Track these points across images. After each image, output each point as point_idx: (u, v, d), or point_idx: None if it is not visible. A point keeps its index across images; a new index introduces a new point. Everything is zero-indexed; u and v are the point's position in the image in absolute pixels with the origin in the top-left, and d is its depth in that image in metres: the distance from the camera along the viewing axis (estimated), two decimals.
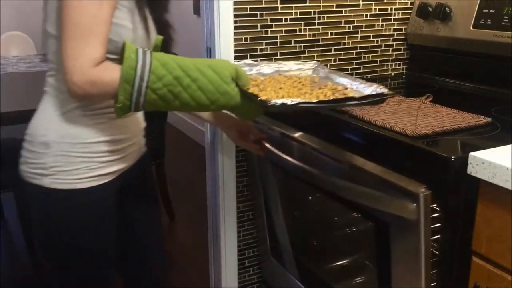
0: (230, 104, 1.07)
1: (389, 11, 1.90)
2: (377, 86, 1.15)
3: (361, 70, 1.91)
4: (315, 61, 1.45)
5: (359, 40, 1.88)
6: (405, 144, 1.17)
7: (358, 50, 1.89)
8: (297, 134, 1.49)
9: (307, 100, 1.06)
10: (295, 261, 1.72)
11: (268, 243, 1.82)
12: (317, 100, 1.07)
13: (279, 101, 1.04)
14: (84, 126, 1.08)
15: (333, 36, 1.83)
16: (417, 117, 1.31)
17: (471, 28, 1.67)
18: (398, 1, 1.90)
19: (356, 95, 1.12)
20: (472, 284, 1.11)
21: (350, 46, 1.87)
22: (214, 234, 1.88)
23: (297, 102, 1.04)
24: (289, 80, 1.30)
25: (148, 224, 1.36)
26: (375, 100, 1.11)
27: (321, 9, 1.77)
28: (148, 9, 1.10)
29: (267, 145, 1.45)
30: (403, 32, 1.95)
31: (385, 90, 1.12)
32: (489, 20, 1.61)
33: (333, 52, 1.84)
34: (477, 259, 1.10)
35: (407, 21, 1.94)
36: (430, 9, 1.82)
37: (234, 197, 1.82)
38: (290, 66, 1.40)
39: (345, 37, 1.85)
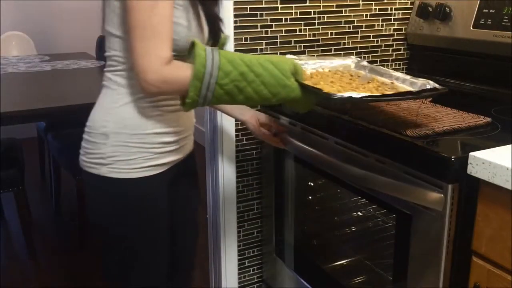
0: (291, 97, 1.12)
1: (389, 11, 1.90)
2: (424, 81, 1.26)
3: None
4: (355, 57, 1.55)
5: (359, 40, 1.88)
6: (405, 144, 1.17)
7: (358, 50, 1.89)
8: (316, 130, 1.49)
9: (372, 94, 1.15)
10: (301, 260, 1.72)
11: (274, 242, 1.83)
12: (380, 94, 1.17)
13: (346, 94, 1.12)
14: (142, 118, 1.13)
15: (333, 36, 1.83)
16: (417, 117, 1.31)
17: (471, 28, 1.67)
18: (398, 1, 1.90)
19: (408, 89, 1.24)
20: (472, 284, 1.11)
21: (350, 46, 1.87)
22: (214, 234, 1.88)
23: (364, 95, 1.12)
24: (336, 75, 1.38)
25: (189, 215, 1.40)
26: (430, 94, 1.21)
27: (321, 9, 1.77)
28: (200, 5, 1.14)
29: (289, 138, 1.47)
30: (403, 32, 1.95)
31: (436, 86, 1.23)
32: (489, 20, 1.61)
33: (333, 52, 1.84)
34: (477, 259, 1.10)
35: (407, 21, 1.94)
36: (430, 9, 1.82)
37: (234, 197, 1.82)
38: (331, 61, 1.49)
39: (345, 37, 1.85)
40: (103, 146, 1.13)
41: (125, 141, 1.12)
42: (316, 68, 1.44)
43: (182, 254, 1.39)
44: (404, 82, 1.32)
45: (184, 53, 1.12)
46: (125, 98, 1.13)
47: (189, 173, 1.35)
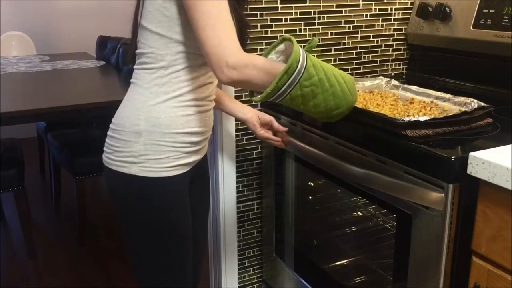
0: (344, 113, 1.21)
1: (389, 11, 1.90)
2: (465, 98, 1.34)
3: (361, 70, 1.91)
4: (382, 76, 1.68)
5: (359, 40, 1.88)
6: (406, 144, 1.17)
7: (358, 50, 1.89)
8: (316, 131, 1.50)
9: (434, 117, 1.23)
10: (301, 260, 1.73)
11: (274, 242, 1.83)
12: (443, 116, 1.24)
13: (413, 119, 1.19)
14: (175, 117, 1.13)
15: (333, 36, 1.83)
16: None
17: (471, 28, 1.67)
18: (398, 1, 1.90)
19: (451, 108, 1.33)
20: (472, 284, 1.11)
21: (350, 46, 1.87)
22: (214, 234, 1.88)
23: (428, 119, 1.20)
24: (377, 96, 1.50)
25: (200, 217, 1.41)
26: (480, 115, 1.26)
27: (321, 9, 1.77)
28: (232, 7, 1.14)
29: (290, 138, 1.48)
30: (403, 32, 1.95)
31: (480, 103, 1.29)
32: (489, 20, 1.61)
33: (333, 52, 1.84)
34: (477, 259, 1.10)
35: (407, 21, 1.94)
36: (430, 9, 1.82)
37: (234, 197, 1.82)
38: (363, 82, 1.62)
39: (345, 37, 1.85)
40: (135, 144, 1.13)
41: (157, 140, 1.13)
42: None
43: (195, 254, 1.40)
44: (445, 100, 1.40)
45: None
46: (158, 97, 1.13)
47: (203, 173, 1.37)
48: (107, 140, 1.19)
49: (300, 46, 1.12)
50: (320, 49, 1.81)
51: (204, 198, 1.41)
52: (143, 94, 1.14)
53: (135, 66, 1.18)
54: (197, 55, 1.12)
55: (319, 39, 1.09)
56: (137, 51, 1.16)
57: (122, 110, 1.19)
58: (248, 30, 1.23)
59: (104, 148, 1.20)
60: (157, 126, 1.13)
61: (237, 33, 1.16)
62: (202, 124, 1.19)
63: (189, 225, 1.25)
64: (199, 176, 1.32)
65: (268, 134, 1.46)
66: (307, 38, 1.78)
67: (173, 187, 1.18)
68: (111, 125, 1.19)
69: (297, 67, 1.05)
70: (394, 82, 1.60)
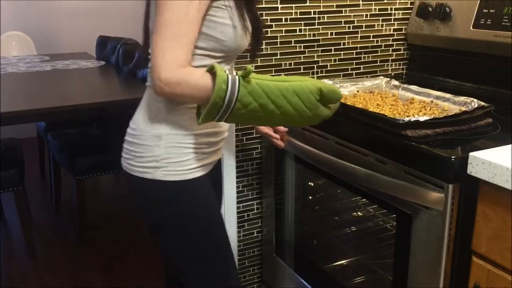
0: (310, 124, 1.15)
1: (389, 11, 1.90)
2: (466, 98, 1.34)
3: (361, 70, 1.91)
4: (382, 76, 1.67)
5: (359, 40, 1.88)
6: (406, 144, 1.17)
7: (358, 50, 1.89)
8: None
9: (434, 117, 1.22)
10: (301, 259, 1.73)
11: (274, 242, 1.83)
12: (443, 116, 1.23)
13: (413, 119, 1.18)
14: (193, 118, 1.12)
15: (333, 36, 1.83)
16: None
17: (471, 28, 1.67)
18: (398, 1, 1.90)
19: (451, 108, 1.33)
20: (472, 284, 1.11)
21: (350, 46, 1.87)
22: None
23: (427, 119, 1.19)
24: (377, 96, 1.49)
25: None
26: (482, 112, 1.26)
27: (321, 9, 1.77)
28: (245, 7, 1.13)
29: (290, 138, 1.48)
30: (403, 32, 1.95)
31: (480, 103, 1.28)
32: (489, 20, 1.61)
33: (333, 52, 1.84)
34: (477, 259, 1.10)
35: (407, 21, 1.94)
36: (430, 9, 1.82)
37: (234, 197, 1.82)
38: (363, 83, 1.61)
39: (345, 37, 1.85)
40: (156, 148, 1.12)
41: (178, 142, 1.12)
42: (352, 91, 1.54)
43: None
44: (445, 100, 1.40)
45: (233, 53, 1.13)
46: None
47: (218, 174, 1.37)
48: (125, 145, 1.18)
49: (236, 73, 1.06)
50: (320, 49, 1.81)
51: (219, 198, 1.41)
52: (158, 97, 1.12)
53: (149, 70, 1.16)
54: (207, 56, 1.11)
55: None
56: (150, 56, 1.13)
57: (140, 114, 1.17)
58: (263, 31, 1.21)
59: (124, 154, 1.18)
60: (178, 128, 1.12)
61: (252, 35, 1.16)
62: (219, 124, 1.18)
63: (222, 223, 1.24)
64: (215, 176, 1.31)
65: (268, 129, 1.45)
66: (307, 38, 1.78)
67: (198, 188, 1.16)
68: (129, 130, 1.17)
69: (224, 102, 1.00)
70: (394, 82, 1.60)
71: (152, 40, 1.03)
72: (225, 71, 1.03)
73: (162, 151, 1.11)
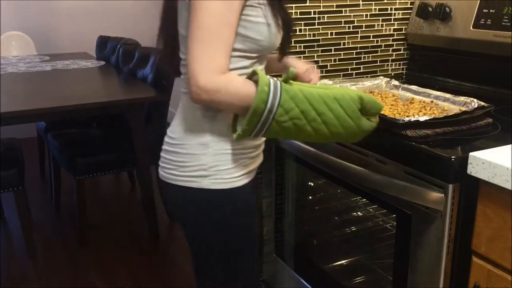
0: (353, 139, 1.08)
1: (389, 11, 1.90)
2: (466, 98, 1.34)
3: (361, 70, 1.91)
4: (382, 76, 1.66)
5: (359, 40, 1.88)
6: (406, 144, 1.17)
7: (358, 50, 1.89)
8: None
9: (434, 117, 1.22)
10: (301, 259, 1.73)
11: (274, 242, 1.83)
12: (443, 116, 1.23)
13: (413, 119, 1.18)
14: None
15: (333, 36, 1.83)
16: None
17: (471, 28, 1.67)
18: (398, 1, 1.90)
19: (451, 107, 1.34)
20: (472, 284, 1.11)
21: (350, 46, 1.87)
22: None
23: (427, 119, 1.19)
24: (377, 96, 1.49)
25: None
26: (481, 112, 1.26)
27: (321, 9, 1.77)
28: (276, 5, 1.09)
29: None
30: (403, 32, 1.95)
31: (480, 103, 1.28)
32: (489, 20, 1.61)
33: (333, 52, 1.84)
34: (477, 259, 1.10)
35: (407, 21, 1.94)
36: (430, 9, 1.82)
37: None
38: (363, 83, 1.61)
39: (345, 37, 1.85)
40: (203, 156, 1.08)
41: (225, 149, 1.08)
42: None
43: None
44: (445, 100, 1.40)
45: (266, 53, 1.10)
46: None
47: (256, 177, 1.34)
48: (165, 155, 1.14)
49: (276, 77, 1.02)
50: (320, 49, 1.81)
51: (259, 204, 1.38)
52: (196, 104, 1.06)
53: (182, 76, 1.12)
54: (243, 57, 1.06)
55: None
56: (183, 61, 1.09)
57: (181, 122, 1.12)
58: (293, 28, 1.17)
59: (163, 164, 1.14)
60: (223, 135, 1.08)
61: (283, 35, 1.11)
62: None
63: (257, 232, 1.23)
64: (255, 179, 1.27)
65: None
66: (307, 38, 1.78)
67: (245, 196, 1.13)
68: (168, 140, 1.13)
69: (266, 106, 0.96)
70: (394, 82, 1.60)
71: (188, 45, 0.98)
72: (267, 76, 1.00)
73: (209, 159, 1.08)
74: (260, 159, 1.20)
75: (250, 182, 1.15)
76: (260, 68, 1.11)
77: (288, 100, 0.98)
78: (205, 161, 1.08)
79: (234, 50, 1.03)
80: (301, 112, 0.99)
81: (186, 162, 1.09)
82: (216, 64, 0.96)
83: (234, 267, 1.19)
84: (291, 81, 1.02)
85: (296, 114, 0.99)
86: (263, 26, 1.04)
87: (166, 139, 1.15)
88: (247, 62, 1.07)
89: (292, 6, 1.72)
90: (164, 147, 1.15)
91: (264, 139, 1.18)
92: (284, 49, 1.20)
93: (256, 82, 0.99)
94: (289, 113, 0.99)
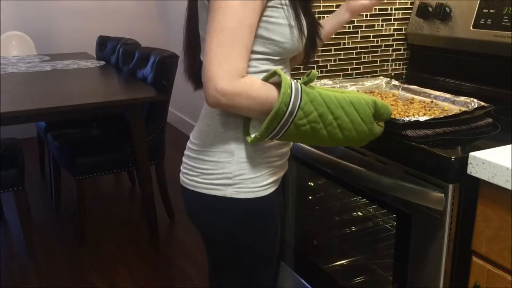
0: (362, 143, 1.07)
1: (389, 11, 1.90)
2: (466, 98, 1.34)
3: (361, 70, 1.91)
4: (382, 76, 1.65)
5: (359, 40, 1.88)
6: (406, 144, 1.17)
7: (358, 50, 1.89)
8: None
9: (434, 117, 1.21)
10: (302, 260, 1.72)
11: None
12: (443, 116, 1.22)
13: (413, 119, 1.17)
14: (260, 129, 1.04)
15: (333, 36, 1.83)
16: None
17: (471, 28, 1.67)
18: (398, 1, 1.90)
19: (451, 107, 1.34)
20: (472, 284, 1.11)
21: (350, 46, 1.87)
22: None
23: (427, 119, 1.18)
24: (377, 96, 1.48)
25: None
26: (480, 115, 1.26)
27: (321, 9, 1.77)
28: (300, 7, 1.05)
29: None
30: (403, 32, 1.95)
31: (480, 103, 1.27)
32: (489, 20, 1.61)
33: (333, 52, 1.84)
34: (477, 259, 1.10)
35: (407, 21, 1.94)
36: (430, 9, 1.82)
37: None
38: (363, 83, 1.61)
39: (345, 37, 1.85)
40: (228, 164, 1.05)
41: (250, 157, 1.05)
42: (353, 90, 1.52)
43: None
44: (445, 100, 1.40)
45: (289, 55, 1.06)
46: None
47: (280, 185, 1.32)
48: (187, 161, 1.11)
49: (296, 79, 1.01)
50: (320, 49, 1.81)
51: (281, 208, 1.35)
52: (221, 110, 1.05)
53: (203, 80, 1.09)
54: (265, 60, 1.03)
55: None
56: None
57: (205, 129, 1.08)
58: (319, 26, 1.14)
59: (185, 171, 1.12)
60: (248, 142, 1.03)
61: (308, 37, 1.08)
62: None
63: (278, 240, 1.21)
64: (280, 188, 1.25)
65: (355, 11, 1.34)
66: None
67: (269, 206, 1.10)
68: (191, 146, 1.11)
69: (287, 109, 0.94)
70: (394, 82, 1.60)
71: (205, 46, 0.94)
72: (289, 78, 0.97)
73: (234, 167, 1.05)
74: (285, 168, 1.17)
75: (275, 192, 1.12)
76: (284, 71, 1.08)
77: (308, 103, 0.96)
78: (230, 169, 1.05)
79: (256, 53, 1.01)
80: (319, 116, 0.98)
81: (210, 169, 1.07)
82: (236, 67, 0.93)
83: (251, 275, 1.18)
84: (311, 84, 1.00)
85: (314, 118, 0.97)
86: (285, 28, 1.01)
87: (189, 144, 1.12)
88: (270, 66, 1.04)
89: None
90: (186, 152, 1.13)
91: (289, 147, 1.16)
92: (309, 55, 1.16)
93: (275, 84, 0.98)
94: (308, 117, 0.97)
